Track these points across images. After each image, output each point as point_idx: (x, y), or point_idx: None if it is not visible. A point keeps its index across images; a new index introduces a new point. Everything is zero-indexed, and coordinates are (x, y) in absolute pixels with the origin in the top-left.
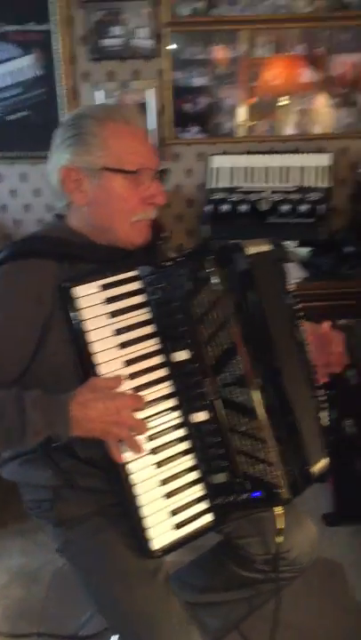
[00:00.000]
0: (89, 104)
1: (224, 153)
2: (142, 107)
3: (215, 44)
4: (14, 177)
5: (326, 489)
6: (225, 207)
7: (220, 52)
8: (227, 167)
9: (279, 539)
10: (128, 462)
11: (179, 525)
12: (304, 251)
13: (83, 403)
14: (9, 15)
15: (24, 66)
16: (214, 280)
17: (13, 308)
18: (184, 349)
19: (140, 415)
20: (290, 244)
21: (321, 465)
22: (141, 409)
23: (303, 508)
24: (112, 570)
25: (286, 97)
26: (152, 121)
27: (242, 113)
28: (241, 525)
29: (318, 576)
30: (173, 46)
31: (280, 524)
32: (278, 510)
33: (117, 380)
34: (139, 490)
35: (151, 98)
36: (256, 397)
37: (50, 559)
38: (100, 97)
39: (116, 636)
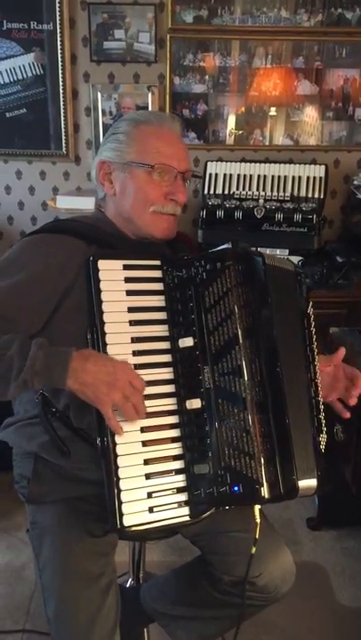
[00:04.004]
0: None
1: (220, 160)
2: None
3: (214, 52)
4: (9, 174)
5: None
6: (219, 213)
7: (218, 61)
8: (222, 174)
9: (253, 549)
10: (117, 435)
11: (152, 509)
12: (295, 260)
13: (85, 356)
14: (13, 13)
15: (24, 64)
16: (228, 272)
17: (38, 269)
18: (190, 336)
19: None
20: (280, 253)
21: (308, 484)
22: (139, 388)
23: (287, 513)
24: (57, 560)
25: (280, 108)
26: None
27: (232, 121)
28: (216, 541)
29: (303, 579)
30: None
31: (256, 532)
32: (256, 518)
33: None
34: (121, 462)
35: (150, 102)
36: (248, 389)
37: None
38: (99, 98)
39: None
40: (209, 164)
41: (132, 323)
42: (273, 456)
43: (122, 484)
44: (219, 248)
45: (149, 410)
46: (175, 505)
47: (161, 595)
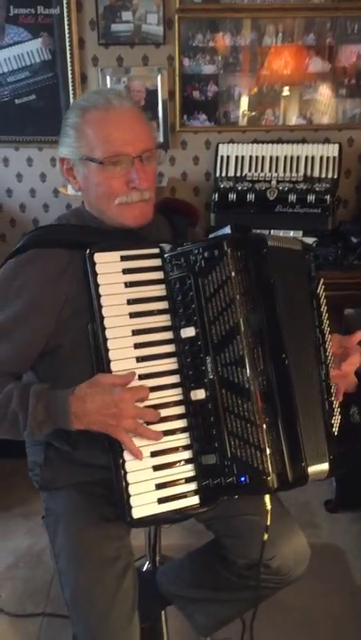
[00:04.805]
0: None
1: (231, 142)
2: (152, 93)
3: (224, 31)
4: (20, 161)
5: None
6: (232, 196)
7: (227, 40)
8: (234, 156)
9: (265, 536)
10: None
11: (161, 500)
12: (310, 241)
13: (81, 397)
14: None
15: (32, 50)
16: (226, 260)
17: (34, 295)
18: (192, 326)
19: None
20: (294, 235)
21: (319, 469)
22: (145, 398)
23: (305, 495)
24: (71, 546)
25: (292, 86)
26: (160, 108)
27: (245, 102)
28: (230, 525)
29: (320, 561)
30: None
31: (267, 520)
32: (267, 506)
33: (124, 377)
34: (127, 455)
35: (160, 84)
36: (252, 379)
37: None
38: (108, 82)
39: None
40: (220, 146)
41: (133, 315)
42: (280, 444)
43: (129, 477)
44: (217, 234)
45: (154, 402)
46: (185, 494)
47: (177, 578)
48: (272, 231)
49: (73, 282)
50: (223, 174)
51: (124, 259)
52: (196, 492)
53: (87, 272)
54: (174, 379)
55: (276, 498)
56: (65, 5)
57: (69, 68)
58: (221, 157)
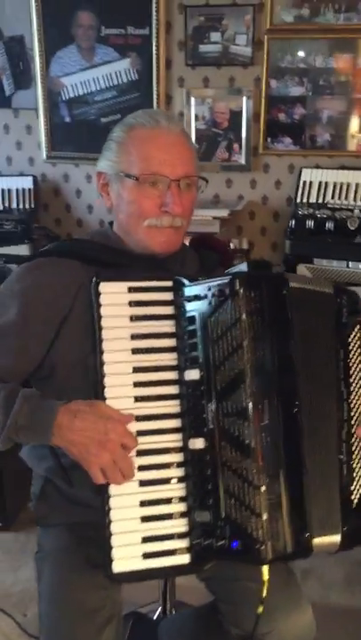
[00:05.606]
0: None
1: (316, 167)
2: (236, 115)
3: (315, 52)
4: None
5: None
6: (310, 223)
7: (319, 61)
8: (317, 182)
9: (260, 609)
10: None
11: (147, 555)
12: None
13: (73, 411)
14: (110, 19)
15: (120, 69)
16: (237, 300)
17: (29, 303)
18: (196, 369)
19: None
20: None
21: (327, 541)
22: (131, 448)
23: None
24: (53, 589)
25: None
26: (244, 130)
27: (355, 124)
28: (227, 588)
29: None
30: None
31: (263, 591)
32: (264, 576)
33: (124, 416)
34: (113, 503)
35: (245, 106)
36: (253, 434)
37: None
38: (192, 103)
39: None
40: (304, 170)
41: (135, 351)
42: (280, 510)
43: (113, 527)
44: (231, 270)
45: (149, 446)
46: (174, 551)
47: (178, 635)
48: (350, 263)
49: (78, 299)
50: (304, 200)
51: (132, 290)
52: (187, 550)
53: (91, 301)
54: (175, 423)
55: (278, 567)
56: (154, 26)
57: (155, 88)
58: (304, 182)
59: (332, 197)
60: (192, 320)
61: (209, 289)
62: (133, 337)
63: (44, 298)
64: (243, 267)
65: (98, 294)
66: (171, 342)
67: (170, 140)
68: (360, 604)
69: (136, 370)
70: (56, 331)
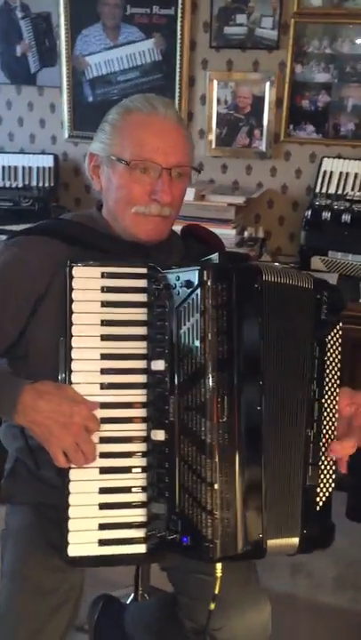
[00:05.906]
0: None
1: (338, 157)
2: (258, 100)
3: (343, 38)
4: None
5: None
6: (326, 214)
7: (346, 47)
8: (338, 172)
9: (212, 605)
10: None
11: (103, 542)
12: None
13: (39, 391)
14: None
15: (144, 49)
16: (202, 292)
17: (7, 279)
18: (162, 359)
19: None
20: None
21: (284, 543)
22: (94, 431)
23: None
24: (11, 567)
25: None
26: (265, 116)
27: None
28: (184, 581)
29: None
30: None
31: (215, 587)
32: (218, 572)
33: (91, 403)
34: (72, 488)
35: (268, 91)
36: (210, 432)
37: None
38: (215, 86)
39: None
40: (325, 160)
41: (105, 337)
42: (234, 509)
43: (70, 512)
44: (203, 260)
45: (112, 434)
46: (130, 540)
47: (139, 620)
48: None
49: (55, 280)
50: (323, 190)
51: (105, 275)
52: (144, 540)
53: (65, 284)
54: (140, 412)
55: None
56: (180, 6)
57: (178, 70)
58: (324, 172)
59: (353, 189)
60: (162, 308)
61: (178, 278)
62: (104, 323)
63: (21, 274)
64: (214, 257)
65: (71, 278)
66: (142, 330)
67: (165, 128)
68: (347, 605)
69: (104, 356)
70: (32, 309)
